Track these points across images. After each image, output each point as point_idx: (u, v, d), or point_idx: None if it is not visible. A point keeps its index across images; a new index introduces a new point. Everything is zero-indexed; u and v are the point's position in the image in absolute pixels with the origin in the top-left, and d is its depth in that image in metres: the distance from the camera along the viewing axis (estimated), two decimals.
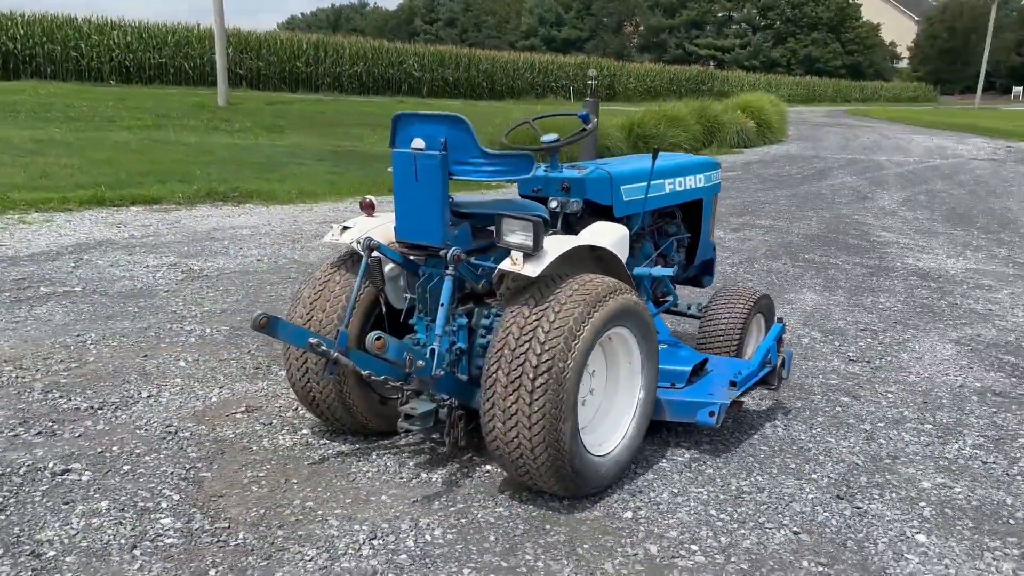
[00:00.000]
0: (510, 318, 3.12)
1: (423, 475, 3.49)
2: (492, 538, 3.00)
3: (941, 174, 18.83)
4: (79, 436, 3.79)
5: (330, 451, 3.71)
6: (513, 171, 3.31)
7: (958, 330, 6.17)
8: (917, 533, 3.12)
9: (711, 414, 3.59)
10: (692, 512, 3.23)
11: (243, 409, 4.15)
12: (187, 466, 3.52)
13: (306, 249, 8.09)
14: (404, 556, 2.86)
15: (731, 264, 8.33)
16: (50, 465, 3.46)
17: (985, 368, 5.25)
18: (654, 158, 4.10)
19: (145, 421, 3.98)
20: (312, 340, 3.31)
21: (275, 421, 4.03)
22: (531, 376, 2.98)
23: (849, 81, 68.85)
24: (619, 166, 4.14)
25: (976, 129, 33.89)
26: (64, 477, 3.37)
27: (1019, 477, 3.67)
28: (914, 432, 4.14)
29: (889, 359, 5.36)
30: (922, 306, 6.89)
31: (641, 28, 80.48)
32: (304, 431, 3.92)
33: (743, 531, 3.10)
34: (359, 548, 2.91)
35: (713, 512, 3.23)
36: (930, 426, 4.23)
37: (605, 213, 4.03)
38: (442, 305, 3.26)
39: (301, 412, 4.13)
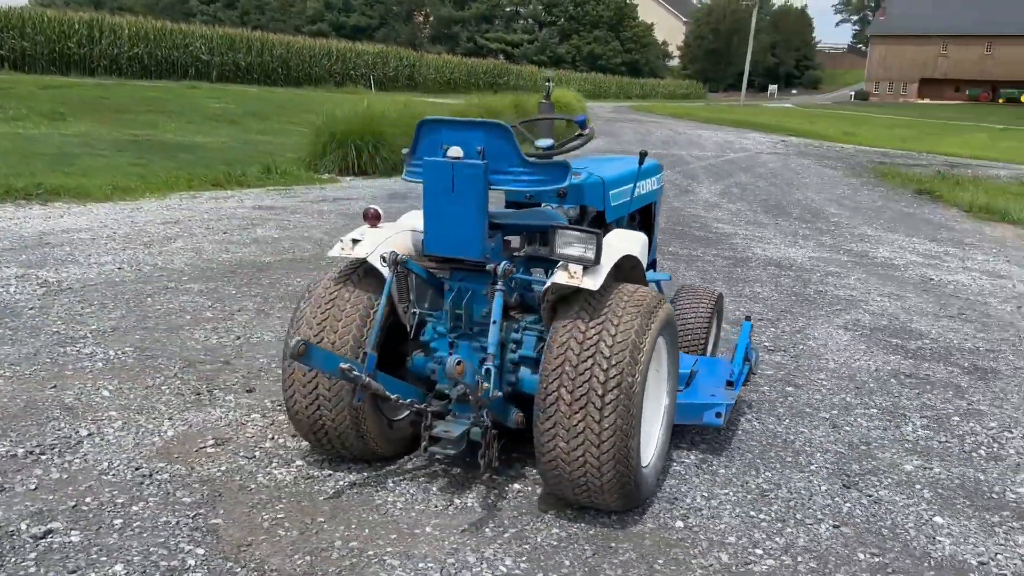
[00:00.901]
0: (565, 333, 3.03)
1: (455, 500, 3.32)
2: (567, 562, 2.91)
3: (740, 167, 20.44)
4: (35, 489, 3.26)
5: (339, 483, 3.44)
6: (551, 180, 3.21)
7: (838, 316, 6.73)
8: (934, 516, 3.39)
9: (717, 415, 3.68)
10: (734, 515, 3.30)
11: (211, 442, 3.75)
12: (189, 514, 3.13)
13: (166, 254, 7.42)
14: None
15: None
16: (23, 527, 2.96)
17: (884, 351, 5.77)
18: (641, 162, 4.12)
19: (106, 464, 3.49)
20: (343, 365, 3.06)
21: (257, 453, 3.67)
22: (600, 392, 2.92)
23: (630, 78, 72.88)
24: (604, 170, 4.13)
25: (750, 125, 37.03)
26: (50, 541, 2.89)
27: (974, 454, 4.07)
28: (866, 417, 4.48)
29: (802, 347, 5.76)
30: (794, 295, 7.45)
31: (432, 19, 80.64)
32: (297, 463, 3.60)
33: (790, 529, 3.21)
34: None
35: (752, 513, 3.33)
36: (875, 410, 4.59)
37: (597, 218, 4.01)
38: (494, 322, 3.11)
39: (281, 441, 3.80)
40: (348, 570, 2.82)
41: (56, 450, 3.60)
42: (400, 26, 77.87)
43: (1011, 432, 4.37)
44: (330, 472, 3.52)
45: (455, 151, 3.15)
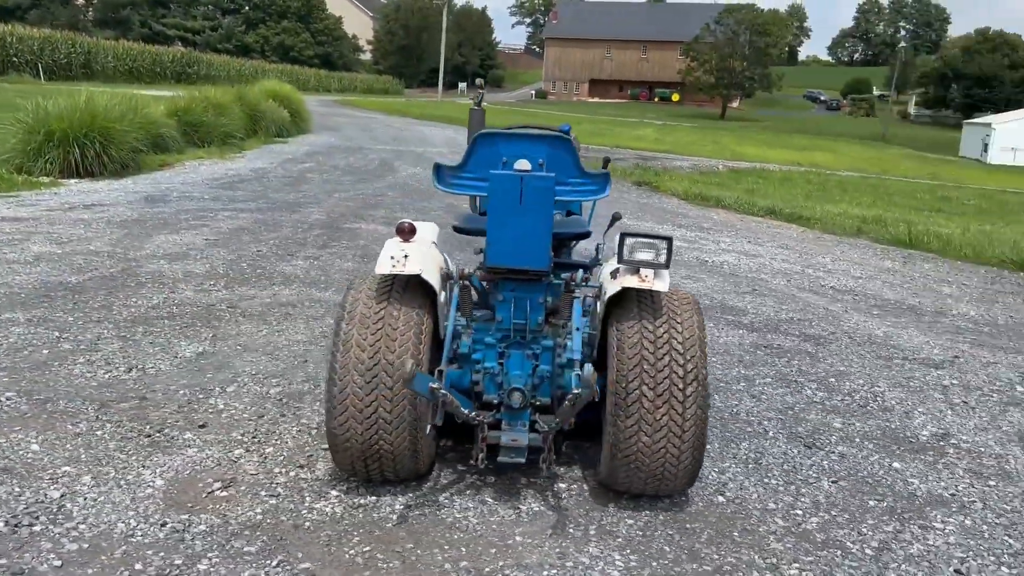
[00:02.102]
0: (634, 333, 3.22)
1: (519, 507, 3.39)
2: (667, 549, 3.13)
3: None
4: (64, 566, 2.81)
5: (390, 507, 3.35)
6: (599, 190, 3.37)
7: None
8: (892, 462, 4.05)
9: None
10: (753, 485, 3.71)
11: (218, 485, 3.43)
12: (270, 563, 2.89)
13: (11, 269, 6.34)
14: None
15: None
16: None
17: (729, 327, 6.56)
18: (605, 166, 4.37)
19: (123, 525, 3.09)
20: (434, 385, 3.01)
21: (280, 490, 3.43)
22: (680, 387, 3.16)
23: (327, 72, 71.81)
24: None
25: (460, 121, 38.38)
26: None
27: (870, 407, 4.87)
28: (770, 386, 5.14)
29: None
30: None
31: (95, 1, 73.19)
32: (331, 493, 3.43)
33: (805, 490, 3.69)
34: None
35: (766, 481, 3.76)
36: (770, 379, 5.28)
37: None
38: (577, 329, 3.22)
39: (293, 474, 3.58)
40: None
41: (43, 518, 3.09)
42: (57, 7, 69.75)
43: (878, 386, 5.26)
44: (373, 498, 3.40)
45: (523, 164, 3.19)
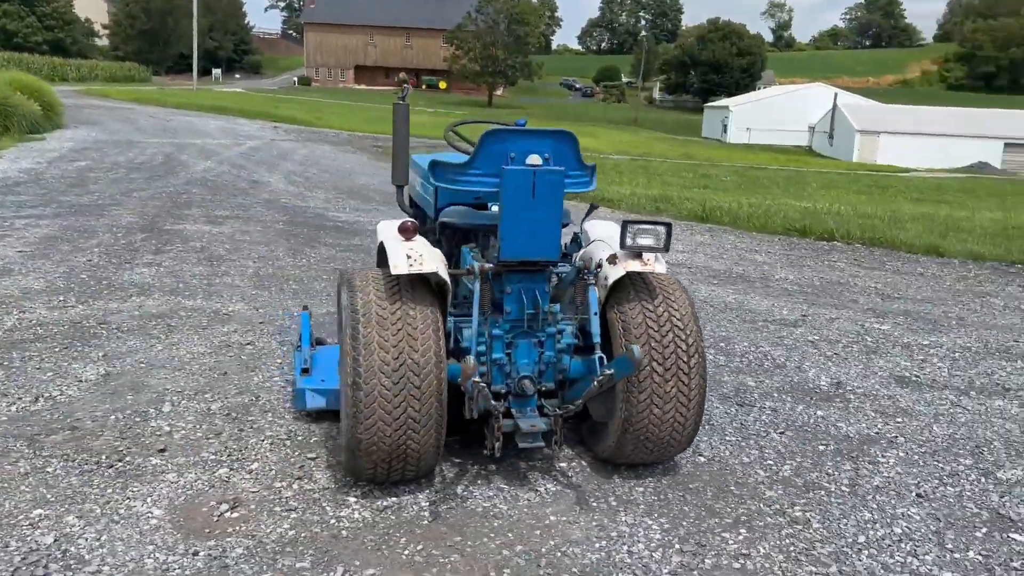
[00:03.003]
0: (636, 313, 3.45)
1: (539, 488, 3.52)
2: (689, 510, 3.40)
3: (279, 155, 20.54)
4: None
5: (418, 504, 3.37)
6: (589, 182, 3.55)
7: None
8: (829, 416, 4.59)
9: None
10: (724, 443, 4.08)
11: (225, 507, 3.28)
12: (329, 573, 2.85)
13: None
14: (691, 543, 3.10)
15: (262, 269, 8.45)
16: None
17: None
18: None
19: (151, 562, 2.90)
20: (476, 379, 3.09)
21: (294, 503, 3.34)
22: (685, 359, 3.44)
23: (61, 59, 65.19)
24: None
25: (224, 110, 36.53)
26: None
27: (778, 370, 5.43)
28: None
29: None
30: None
31: None
32: (350, 499, 3.39)
33: (771, 440, 4.11)
34: (667, 554, 3.00)
35: (733, 439, 4.14)
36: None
37: None
38: (595, 314, 3.37)
39: (299, 486, 3.49)
40: (587, 569, 2.91)
41: (53, 566, 2.82)
42: None
43: (762, 346, 5.86)
44: (394, 499, 3.40)
45: (534, 159, 3.30)
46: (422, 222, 4.92)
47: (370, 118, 40.95)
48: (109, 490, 3.39)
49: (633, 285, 3.55)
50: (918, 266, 9.61)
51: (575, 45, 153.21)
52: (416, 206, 4.98)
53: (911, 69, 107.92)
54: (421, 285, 3.36)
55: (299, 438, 3.96)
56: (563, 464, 3.77)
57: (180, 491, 3.40)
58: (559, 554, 3.02)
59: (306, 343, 4.50)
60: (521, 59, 76.40)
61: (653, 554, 3.02)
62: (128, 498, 3.32)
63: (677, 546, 3.08)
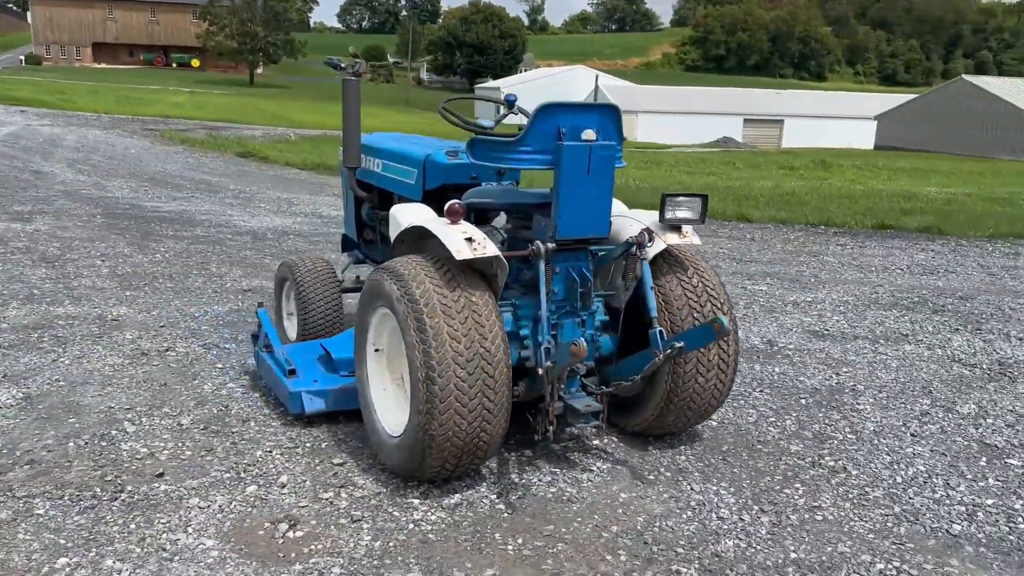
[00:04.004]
0: (675, 285, 3.51)
1: (589, 468, 3.51)
2: (738, 472, 3.53)
3: (46, 141, 18.55)
4: None
5: (487, 498, 3.24)
6: (621, 158, 3.54)
7: None
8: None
9: None
10: (760, 407, 4.25)
11: (285, 527, 2.98)
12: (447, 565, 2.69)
13: None
14: (764, 502, 3.22)
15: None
16: None
17: None
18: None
19: None
20: (549, 364, 3.09)
21: (358, 514, 3.10)
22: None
23: None
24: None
25: None
26: None
27: None
28: None
29: None
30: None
31: None
32: (415, 503, 3.19)
33: (757, 399, 4.34)
34: (754, 515, 3.09)
35: (767, 404, 4.33)
36: None
37: None
38: (652, 288, 3.37)
39: (347, 493, 3.25)
40: (693, 540, 2.92)
41: None
42: None
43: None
44: (458, 495, 3.24)
45: (589, 134, 3.23)
46: (385, 204, 4.68)
47: (122, 99, 37.83)
48: (132, 525, 2.95)
49: (664, 258, 3.59)
50: (743, 232, 10.46)
51: (334, 23, 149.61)
52: (369, 188, 4.71)
53: (653, 52, 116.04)
54: (471, 270, 3.20)
55: (307, 445, 3.65)
56: (596, 442, 3.77)
57: (219, 516, 3.03)
58: (656, 529, 3.03)
59: (277, 343, 4.14)
60: (282, 36, 73.42)
61: (742, 517, 3.12)
62: (165, 531, 2.91)
63: (755, 508, 3.19)
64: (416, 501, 3.18)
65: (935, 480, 3.47)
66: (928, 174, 25.90)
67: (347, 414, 3.88)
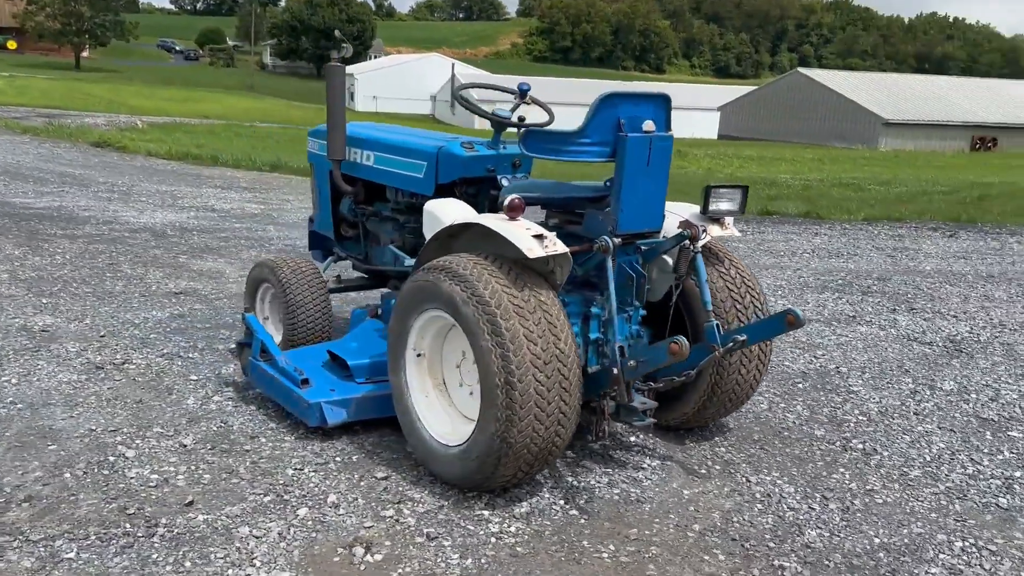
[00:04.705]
0: (716, 278, 3.50)
1: (642, 466, 3.45)
2: (778, 459, 3.58)
3: None
4: None
5: (554, 505, 3.12)
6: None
7: None
8: None
9: None
10: (766, 393, 4.30)
11: (361, 552, 2.76)
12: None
13: None
14: (821, 489, 3.27)
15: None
16: None
17: None
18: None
19: None
20: (632, 363, 3.04)
21: (434, 531, 2.91)
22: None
23: None
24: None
25: None
26: None
27: None
28: None
29: None
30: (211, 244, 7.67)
31: None
32: (484, 514, 3.03)
33: (812, 392, 4.41)
34: (823, 503, 3.12)
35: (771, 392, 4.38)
36: None
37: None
38: (705, 282, 3.32)
39: (414, 511, 3.04)
40: (779, 532, 2.91)
41: None
42: None
43: None
44: (525, 504, 3.11)
45: (649, 125, 3.14)
46: (371, 198, 4.42)
47: None
48: (187, 563, 2.65)
49: (710, 249, 3.57)
50: None
51: (164, 3, 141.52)
52: (352, 181, 4.43)
53: (502, 42, 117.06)
54: (529, 268, 3.06)
55: (337, 459, 3.40)
56: (632, 439, 3.71)
57: (282, 545, 2.76)
58: (737, 525, 3.01)
59: (276, 350, 3.83)
60: (111, 17, 68.79)
61: (811, 506, 3.15)
62: (229, 566, 2.63)
63: (817, 496, 3.24)
64: (486, 512, 3.02)
65: (960, 456, 3.64)
66: (774, 161, 27.52)
67: (363, 423, 3.65)
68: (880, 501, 3.21)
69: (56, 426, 3.63)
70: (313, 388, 3.61)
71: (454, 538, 2.85)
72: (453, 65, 58.10)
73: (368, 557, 2.71)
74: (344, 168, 4.42)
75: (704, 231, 3.33)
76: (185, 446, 3.48)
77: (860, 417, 4.07)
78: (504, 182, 3.86)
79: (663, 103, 3.26)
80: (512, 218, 3.05)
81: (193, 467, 3.29)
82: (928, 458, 3.62)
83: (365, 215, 4.49)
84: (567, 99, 52.82)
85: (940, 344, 5.34)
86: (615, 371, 3.06)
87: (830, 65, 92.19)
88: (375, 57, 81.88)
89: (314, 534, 2.84)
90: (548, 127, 3.42)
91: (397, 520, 2.95)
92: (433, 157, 3.86)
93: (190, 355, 4.61)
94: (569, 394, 2.95)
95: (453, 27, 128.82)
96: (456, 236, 3.33)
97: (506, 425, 2.86)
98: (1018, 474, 3.49)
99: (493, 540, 2.84)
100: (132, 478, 3.19)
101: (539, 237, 2.95)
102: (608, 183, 3.30)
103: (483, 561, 2.72)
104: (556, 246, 2.97)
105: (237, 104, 47.86)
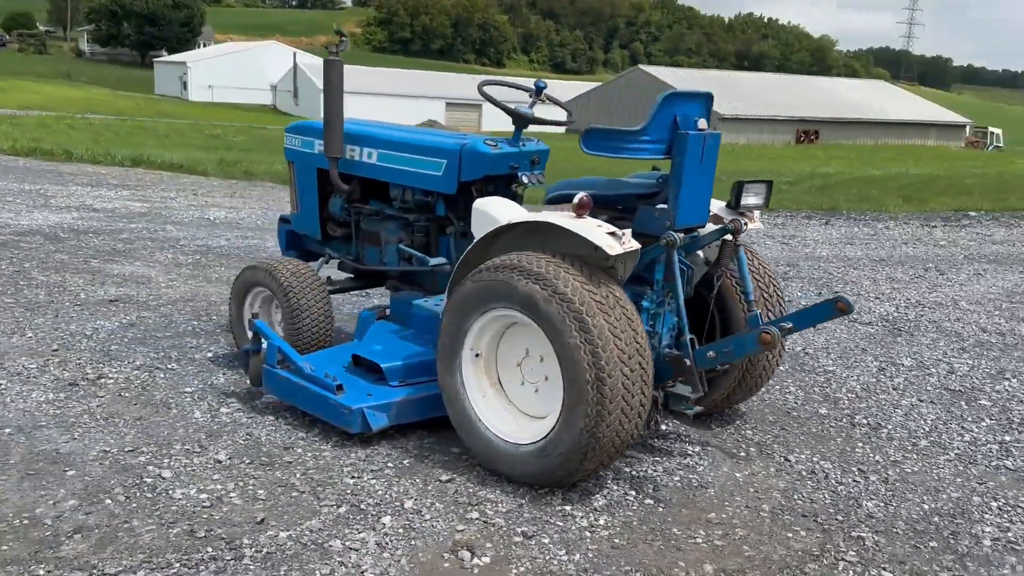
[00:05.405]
0: (751, 270, 3.67)
1: (691, 453, 3.56)
2: (806, 441, 3.79)
3: None
4: None
5: (623, 496, 3.17)
6: None
7: None
8: None
9: None
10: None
11: (468, 556, 2.72)
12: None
13: None
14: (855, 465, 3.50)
15: None
16: None
17: None
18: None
19: None
20: (711, 354, 3.15)
21: (528, 529, 2.90)
22: (781, 307, 3.77)
23: None
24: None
25: None
26: None
27: None
28: None
29: None
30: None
31: None
32: (566, 509, 3.05)
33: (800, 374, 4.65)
34: (865, 477, 3.34)
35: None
36: None
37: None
38: (747, 273, 3.46)
39: (496, 511, 3.02)
40: (839, 506, 3.10)
41: None
42: None
43: None
44: (599, 497, 3.15)
45: (703, 123, 3.25)
46: (367, 197, 4.30)
47: None
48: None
49: (735, 242, 3.72)
50: None
51: None
52: (348, 180, 4.28)
53: None
54: (595, 265, 3.10)
55: (390, 465, 3.32)
56: (665, 428, 3.82)
57: (385, 556, 2.68)
58: (799, 502, 3.18)
59: (297, 357, 3.67)
60: None
61: (855, 480, 3.37)
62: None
63: (855, 470, 3.47)
64: (567, 508, 3.04)
65: (952, 426, 4.00)
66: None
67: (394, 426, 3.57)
68: (909, 471, 3.48)
69: (62, 450, 3.32)
70: (349, 394, 3.49)
71: (550, 535, 2.85)
72: (295, 54, 56.31)
73: (476, 560, 2.68)
74: (344, 167, 4.26)
75: (745, 224, 3.47)
76: (221, 462, 3.28)
77: (849, 394, 4.37)
78: (524, 179, 3.87)
79: (708, 101, 3.38)
80: (580, 215, 3.08)
81: (241, 483, 3.11)
82: (927, 429, 3.95)
83: (361, 214, 4.36)
84: (420, 92, 52.72)
85: (879, 324, 5.80)
86: (687, 362, 3.16)
87: (659, 62, 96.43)
88: (206, 45, 78.08)
89: (412, 542, 2.76)
90: (607, 126, 3.45)
91: (485, 522, 2.92)
92: (455, 155, 3.80)
93: (168, 366, 4.32)
94: (648, 387, 3.02)
95: (286, 14, 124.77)
96: (499, 235, 3.31)
97: (596, 420, 2.89)
98: (1008, 438, 3.88)
99: (588, 534, 2.87)
100: (179, 499, 2.98)
101: (613, 235, 3.00)
102: (660, 179, 3.38)
103: (590, 555, 2.74)
104: (632, 243, 3.03)
105: (57, 93, 44.45)
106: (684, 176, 3.24)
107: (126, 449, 3.35)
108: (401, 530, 2.83)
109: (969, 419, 4.10)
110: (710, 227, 3.45)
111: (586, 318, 2.89)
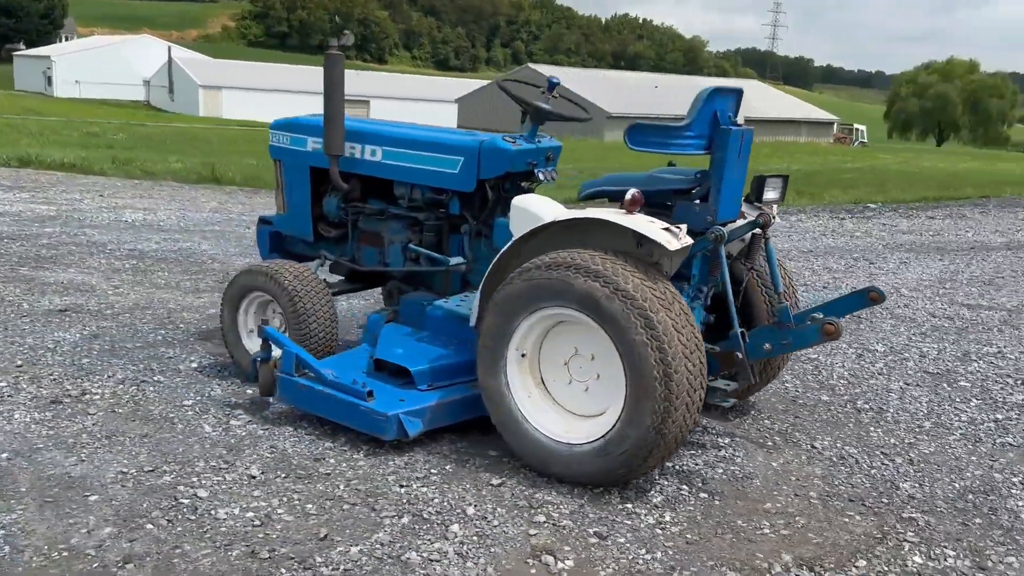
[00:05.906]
0: (761, 261, 3.76)
1: (721, 443, 3.60)
2: (836, 432, 3.91)
3: None
4: None
5: (676, 490, 3.17)
6: None
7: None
8: None
9: None
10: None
11: (551, 561, 2.66)
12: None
13: None
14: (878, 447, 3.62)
15: None
16: None
17: None
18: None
19: None
20: (767, 346, 3.22)
21: (601, 530, 2.86)
22: (796, 297, 3.88)
23: None
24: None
25: None
26: None
27: None
28: None
29: None
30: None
31: None
32: (628, 508, 3.02)
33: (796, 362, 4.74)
34: (893, 460, 3.45)
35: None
36: None
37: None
38: (778, 265, 3.51)
39: (560, 513, 2.96)
40: (879, 490, 3.19)
41: None
42: None
43: None
44: (655, 494, 3.14)
45: (741, 119, 3.28)
46: (367, 195, 4.15)
47: None
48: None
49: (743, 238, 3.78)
50: None
51: None
52: (348, 178, 4.11)
53: (212, 24, 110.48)
54: (643, 261, 3.09)
55: (434, 471, 3.22)
56: (707, 420, 3.85)
57: (469, 565, 2.60)
58: (841, 488, 3.26)
59: (318, 364, 3.50)
60: None
61: (884, 463, 3.49)
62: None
63: (879, 453, 3.59)
64: (629, 506, 3.02)
65: (945, 407, 4.20)
66: None
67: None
68: (927, 452, 3.64)
69: (73, 473, 3.06)
70: (380, 400, 3.36)
71: (623, 535, 2.83)
72: (170, 48, 53.91)
73: (560, 564, 2.62)
74: (344, 165, 4.08)
75: (773, 218, 3.53)
76: (255, 477, 3.09)
77: (841, 380, 4.53)
78: (540, 176, 3.82)
79: (739, 97, 3.42)
80: (631, 212, 3.06)
81: (285, 499, 2.95)
82: (926, 411, 4.13)
83: (360, 214, 4.19)
84: (305, 87, 51.31)
85: None
86: (739, 355, 3.19)
87: (540, 60, 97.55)
88: (68, 38, 73.76)
89: (490, 549, 2.68)
90: (652, 123, 3.43)
91: (554, 524, 2.86)
92: (473, 152, 3.71)
93: (155, 379, 4.05)
94: (704, 380, 3.03)
95: (154, 6, 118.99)
96: (536, 233, 3.26)
97: (663, 417, 2.88)
98: (999, 416, 4.11)
99: (659, 532, 2.86)
100: (225, 519, 2.79)
101: (668, 230, 2.99)
102: (699, 175, 3.40)
103: (671, 552, 2.73)
104: (687, 239, 3.03)
105: None
106: (726, 171, 3.27)
107: (145, 469, 3.11)
108: (476, 538, 2.74)
109: (958, 400, 4.32)
110: (739, 221, 3.50)
111: (650, 314, 2.87)
